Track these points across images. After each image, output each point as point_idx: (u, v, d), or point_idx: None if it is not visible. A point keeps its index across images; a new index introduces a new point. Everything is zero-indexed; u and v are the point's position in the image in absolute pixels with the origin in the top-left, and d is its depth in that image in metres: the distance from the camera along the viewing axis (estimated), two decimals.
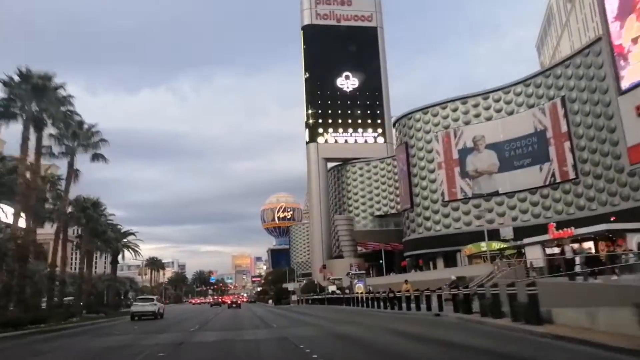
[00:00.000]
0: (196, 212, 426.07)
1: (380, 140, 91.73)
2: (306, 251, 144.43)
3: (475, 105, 62.41)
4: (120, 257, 63.51)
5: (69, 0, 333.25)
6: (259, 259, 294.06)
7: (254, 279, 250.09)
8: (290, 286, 74.14)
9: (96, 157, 34.30)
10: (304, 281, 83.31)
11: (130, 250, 66.14)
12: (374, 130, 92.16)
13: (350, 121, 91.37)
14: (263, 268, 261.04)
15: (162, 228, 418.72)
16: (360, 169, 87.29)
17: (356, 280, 52.70)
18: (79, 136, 33.02)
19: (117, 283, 70.26)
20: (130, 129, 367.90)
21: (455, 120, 63.90)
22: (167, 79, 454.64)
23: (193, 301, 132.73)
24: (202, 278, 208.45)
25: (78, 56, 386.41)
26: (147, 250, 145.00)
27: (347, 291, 55.65)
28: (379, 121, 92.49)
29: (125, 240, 63.59)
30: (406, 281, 30.51)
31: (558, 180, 53.74)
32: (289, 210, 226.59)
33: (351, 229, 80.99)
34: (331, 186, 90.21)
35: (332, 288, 63.23)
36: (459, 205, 62.58)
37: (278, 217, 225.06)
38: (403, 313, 26.97)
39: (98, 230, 48.17)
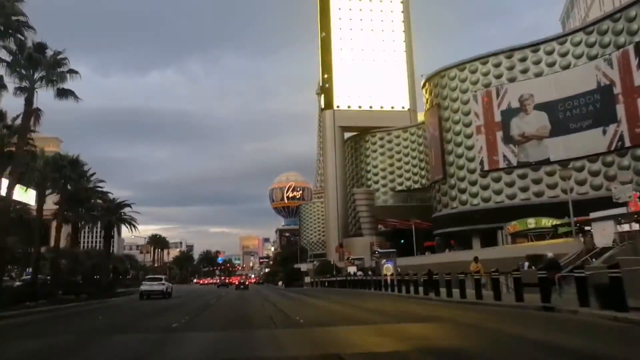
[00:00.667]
0: (204, 193, 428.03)
1: (403, 106, 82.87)
2: (317, 231, 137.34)
3: (523, 60, 53.53)
4: (117, 233, 55.85)
5: None
6: (266, 240, 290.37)
7: (261, 260, 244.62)
8: (303, 267, 66.36)
9: (63, 93, 26.12)
10: (315, 262, 75.66)
11: (126, 224, 58.36)
12: (397, 96, 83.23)
13: (370, 86, 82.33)
14: (271, 249, 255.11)
15: (170, 209, 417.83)
16: (381, 139, 78.82)
17: (384, 261, 44.65)
18: (40, 62, 24.87)
19: (112, 260, 62.78)
20: (140, 110, 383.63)
21: (498, 77, 55.07)
22: (177, 60, 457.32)
23: (201, 281, 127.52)
24: (209, 258, 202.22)
25: (91, 37, 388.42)
26: (155, 230, 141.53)
27: (370, 273, 47.88)
28: (402, 86, 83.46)
29: (122, 212, 55.77)
30: (476, 259, 22.39)
31: (627, 144, 45.08)
32: (298, 189, 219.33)
33: (371, 204, 72.92)
34: (348, 158, 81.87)
35: (351, 269, 55.39)
36: (501, 176, 54.16)
37: (287, 197, 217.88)
38: (473, 302, 19.05)
39: (80, 196, 40.37)
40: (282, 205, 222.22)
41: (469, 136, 56.83)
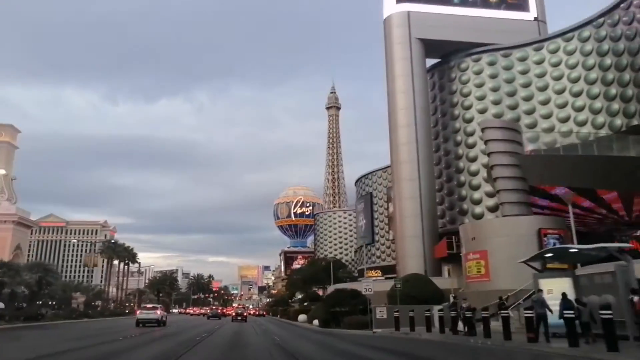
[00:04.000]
0: (205, 222, 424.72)
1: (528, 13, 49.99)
2: (337, 245, 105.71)
3: None
4: None
5: (94, 10, 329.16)
6: (267, 267, 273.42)
7: (266, 282, 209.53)
8: (363, 286, 29.20)
9: None
10: (396, 281, 41.05)
11: None
12: None
13: None
14: (271, 278, 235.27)
15: (170, 237, 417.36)
16: (491, 64, 45.79)
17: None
18: None
19: None
20: (147, 138, 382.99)
21: None
22: (185, 88, 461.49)
23: (191, 311, 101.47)
24: (201, 284, 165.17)
25: (101, 64, 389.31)
26: (153, 259, 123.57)
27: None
28: None
29: None
30: None
31: None
32: (308, 204, 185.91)
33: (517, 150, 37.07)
34: (430, 98, 48.82)
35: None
36: None
37: (295, 213, 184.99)
38: None
39: None
40: (289, 223, 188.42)
41: None
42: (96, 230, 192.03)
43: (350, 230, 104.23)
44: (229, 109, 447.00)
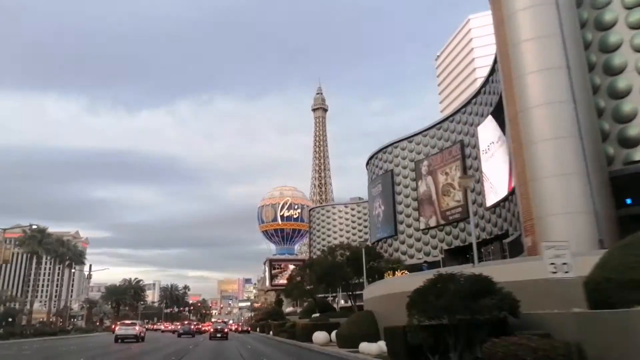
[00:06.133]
0: (185, 236, 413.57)
1: None
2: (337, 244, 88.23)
3: None
4: None
5: (77, 21, 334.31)
6: (248, 281, 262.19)
7: (247, 296, 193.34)
8: (551, 255, 10.08)
9: None
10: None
11: None
12: None
13: None
14: (253, 292, 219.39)
15: (149, 251, 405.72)
16: None
17: None
18: None
19: None
20: (128, 150, 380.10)
21: None
22: (167, 101, 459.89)
23: (163, 326, 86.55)
24: (174, 296, 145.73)
25: (82, 76, 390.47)
26: (132, 273, 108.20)
27: None
28: None
29: None
30: None
31: None
32: (296, 207, 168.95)
33: None
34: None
35: None
36: None
37: (281, 217, 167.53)
38: None
39: None
40: (275, 227, 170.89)
41: None
42: (67, 242, 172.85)
43: (354, 227, 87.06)
44: (211, 122, 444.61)
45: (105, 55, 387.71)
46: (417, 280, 14.34)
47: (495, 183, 39.88)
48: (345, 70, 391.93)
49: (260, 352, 25.11)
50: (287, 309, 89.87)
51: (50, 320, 65.32)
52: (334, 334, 27.89)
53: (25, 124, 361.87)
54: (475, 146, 44.43)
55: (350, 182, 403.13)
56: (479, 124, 43.26)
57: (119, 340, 34.52)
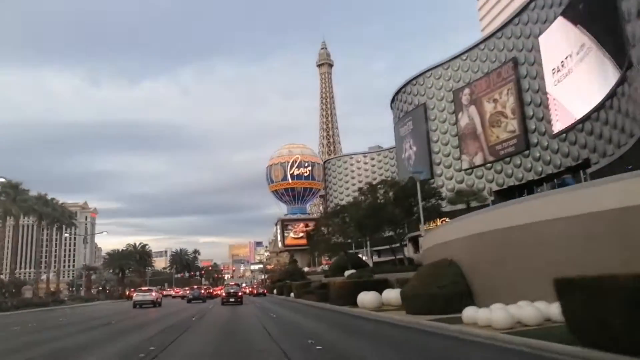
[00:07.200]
0: (195, 203, 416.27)
1: None
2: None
3: None
4: None
5: None
6: (259, 244, 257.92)
7: (259, 258, 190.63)
8: None
9: None
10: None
11: None
12: None
13: None
14: (264, 254, 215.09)
15: (159, 220, 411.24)
16: None
17: None
18: None
19: None
20: (131, 121, 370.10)
21: None
22: (168, 69, 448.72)
23: (173, 292, 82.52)
24: (184, 260, 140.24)
25: (82, 47, 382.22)
26: (143, 241, 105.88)
27: None
28: None
29: None
30: None
31: None
32: (306, 164, 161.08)
33: None
34: None
35: None
36: None
37: (291, 175, 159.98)
38: None
39: None
40: (285, 187, 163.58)
41: None
42: (76, 213, 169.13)
43: (375, 180, 79.56)
44: (215, 89, 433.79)
45: (103, 23, 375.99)
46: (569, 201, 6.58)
47: (571, 104, 31.73)
48: (348, 27, 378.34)
49: (296, 327, 17.33)
50: (304, 268, 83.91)
51: (53, 290, 60.48)
52: (385, 294, 20.67)
53: (26, 97, 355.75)
54: (535, 62, 35.97)
55: (357, 145, 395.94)
56: (539, 34, 34.64)
57: (137, 306, 36.19)
